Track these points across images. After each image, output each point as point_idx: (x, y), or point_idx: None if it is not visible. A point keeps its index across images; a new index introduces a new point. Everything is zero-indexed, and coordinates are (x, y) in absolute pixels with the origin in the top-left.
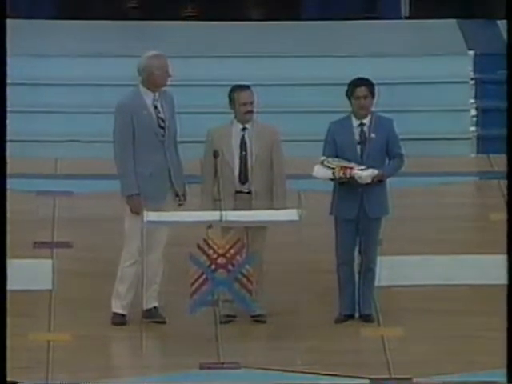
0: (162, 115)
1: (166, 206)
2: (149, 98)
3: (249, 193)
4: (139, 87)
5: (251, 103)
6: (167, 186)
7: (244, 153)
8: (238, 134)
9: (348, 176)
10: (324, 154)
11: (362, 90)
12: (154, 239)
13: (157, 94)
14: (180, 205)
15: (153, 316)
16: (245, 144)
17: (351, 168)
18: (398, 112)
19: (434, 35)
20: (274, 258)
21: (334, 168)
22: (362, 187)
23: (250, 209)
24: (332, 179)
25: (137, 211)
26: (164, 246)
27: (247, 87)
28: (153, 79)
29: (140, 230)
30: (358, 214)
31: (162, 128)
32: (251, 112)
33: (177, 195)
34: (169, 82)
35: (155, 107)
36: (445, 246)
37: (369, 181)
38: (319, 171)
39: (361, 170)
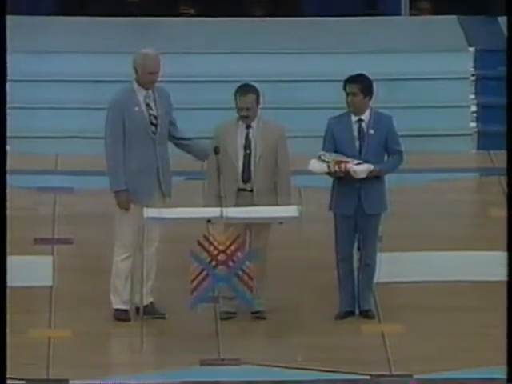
0: (154, 112)
1: (153, 203)
2: (141, 95)
3: (251, 191)
4: (133, 84)
5: (247, 109)
6: (155, 184)
7: (248, 152)
8: (242, 131)
9: (343, 170)
10: (323, 150)
11: (351, 87)
12: (148, 235)
13: (149, 92)
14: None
15: (151, 312)
16: (249, 143)
17: (346, 162)
18: (398, 108)
19: (434, 31)
20: (273, 254)
21: (329, 162)
22: (359, 183)
23: (251, 206)
24: (328, 173)
25: (124, 207)
26: (158, 241)
27: (247, 91)
28: (145, 77)
29: (131, 225)
30: (355, 210)
31: (154, 125)
32: (247, 117)
33: (163, 194)
34: (170, 79)
35: (147, 104)
36: (445, 242)
37: (363, 176)
38: (315, 165)
39: (356, 164)
